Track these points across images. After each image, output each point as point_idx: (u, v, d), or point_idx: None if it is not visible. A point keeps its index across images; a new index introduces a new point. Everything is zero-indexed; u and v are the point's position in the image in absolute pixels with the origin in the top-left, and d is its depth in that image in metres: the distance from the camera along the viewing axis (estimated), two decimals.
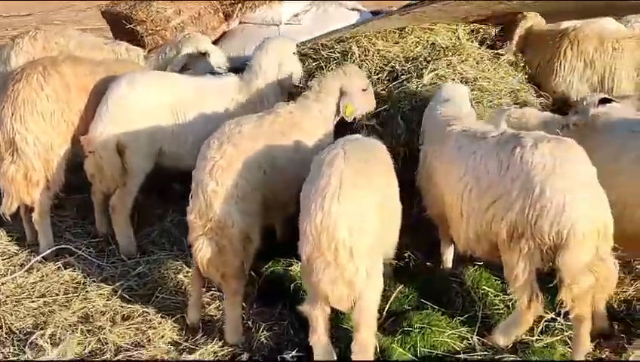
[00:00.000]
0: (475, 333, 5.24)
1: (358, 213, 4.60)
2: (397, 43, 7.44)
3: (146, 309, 5.85)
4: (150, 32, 9.88)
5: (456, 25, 7.84)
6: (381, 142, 5.44)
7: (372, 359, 4.73)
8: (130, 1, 9.88)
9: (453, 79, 6.72)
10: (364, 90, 6.29)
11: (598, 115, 5.60)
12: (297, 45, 7.30)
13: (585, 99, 6.12)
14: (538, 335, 5.22)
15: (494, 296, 5.55)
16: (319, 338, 4.84)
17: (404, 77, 6.81)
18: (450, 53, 7.14)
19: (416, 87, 6.65)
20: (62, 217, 7.39)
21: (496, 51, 7.66)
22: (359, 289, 4.60)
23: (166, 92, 6.60)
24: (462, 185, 5.11)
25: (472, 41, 7.72)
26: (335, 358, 4.88)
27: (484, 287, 5.55)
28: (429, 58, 7.02)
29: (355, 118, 6.24)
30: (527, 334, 5.21)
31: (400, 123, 6.39)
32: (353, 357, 4.71)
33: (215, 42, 9.64)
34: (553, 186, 4.63)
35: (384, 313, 5.43)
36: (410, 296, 5.60)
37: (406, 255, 6.21)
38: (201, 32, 9.86)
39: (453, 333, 5.18)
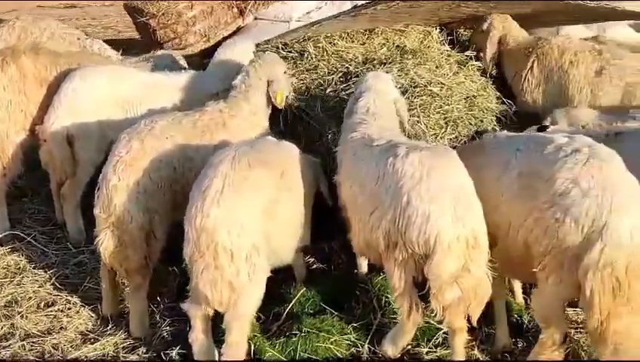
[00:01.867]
0: (368, 341, 5.19)
1: (239, 216, 4.67)
2: (363, 44, 7.38)
3: (70, 298, 6.01)
4: (162, 25, 10.03)
5: (432, 27, 7.69)
6: (291, 143, 5.45)
7: (242, 360, 4.73)
8: None
9: (402, 83, 6.58)
10: (284, 72, 6.37)
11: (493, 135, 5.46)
12: (259, 44, 7.33)
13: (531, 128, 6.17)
14: (430, 347, 5.14)
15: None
16: (197, 337, 4.91)
17: (355, 79, 6.70)
18: (411, 56, 6.98)
19: None
20: (31, 204, 7.61)
21: (465, 54, 7.46)
22: (239, 292, 4.66)
23: (117, 86, 6.73)
24: (351, 192, 5.08)
25: (443, 44, 7.54)
26: (215, 358, 4.92)
27: (387, 295, 5.43)
28: (385, 60, 6.90)
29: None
30: (421, 345, 5.12)
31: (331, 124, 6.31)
32: (222, 358, 4.75)
33: (228, 38, 9.69)
34: (419, 195, 4.56)
35: (284, 315, 5.43)
36: (312, 300, 5.55)
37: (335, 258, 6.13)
38: (214, 26, 10.01)
39: (340, 339, 5.13)
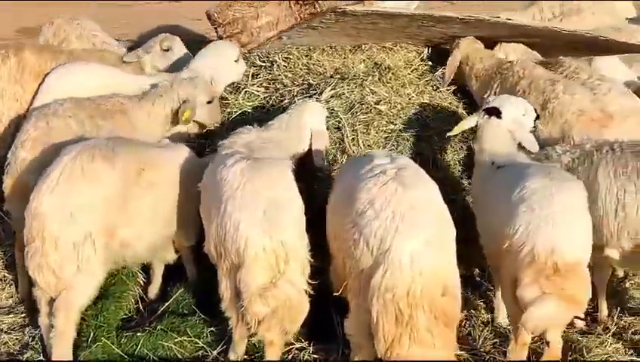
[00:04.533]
0: (221, 346, 5.18)
1: (70, 206, 4.86)
2: (345, 58, 7.31)
3: None
4: (228, 34, 10.39)
5: (425, 47, 7.53)
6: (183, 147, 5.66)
7: (66, 346, 4.90)
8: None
9: (348, 98, 6.51)
10: (209, 102, 6.48)
11: None
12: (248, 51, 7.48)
13: None
14: None
15: None
16: (43, 321, 5.15)
17: (312, 92, 6.70)
18: (378, 74, 6.88)
19: None
20: None
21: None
22: (67, 280, 4.86)
23: (88, 83, 7.04)
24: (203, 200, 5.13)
25: (428, 64, 7.35)
26: None
27: None
28: (347, 76, 6.83)
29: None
30: None
31: None
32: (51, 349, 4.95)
33: None
34: (234, 203, 4.55)
35: (159, 312, 5.55)
36: (187, 301, 5.62)
37: None
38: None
39: (187, 341, 5.16)
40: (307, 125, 5.78)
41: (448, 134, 5.86)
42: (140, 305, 5.78)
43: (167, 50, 7.92)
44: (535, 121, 5.73)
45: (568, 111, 6.19)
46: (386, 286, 4.06)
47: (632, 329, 5.46)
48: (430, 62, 7.46)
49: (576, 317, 5.43)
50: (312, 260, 4.68)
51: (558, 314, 4.51)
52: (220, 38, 10.19)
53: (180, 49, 8.00)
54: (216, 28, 10.20)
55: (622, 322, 5.55)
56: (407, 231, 4.08)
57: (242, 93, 7.12)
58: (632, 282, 6.00)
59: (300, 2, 9.33)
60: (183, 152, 5.60)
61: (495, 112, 5.57)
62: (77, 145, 5.14)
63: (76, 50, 7.99)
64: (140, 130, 6.13)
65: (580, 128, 6.08)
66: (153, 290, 5.95)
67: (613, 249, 5.18)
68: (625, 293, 5.92)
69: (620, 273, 6.06)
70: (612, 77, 7.33)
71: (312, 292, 4.65)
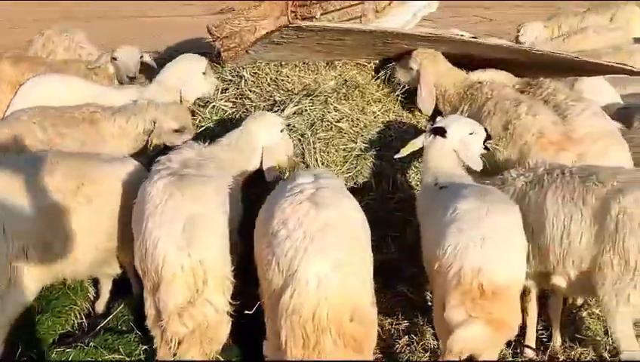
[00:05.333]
0: None
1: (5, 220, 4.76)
2: (317, 74, 7.22)
3: None
4: (225, 48, 10.35)
5: None
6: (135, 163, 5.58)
7: None
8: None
9: (309, 116, 6.42)
10: (175, 130, 6.38)
11: None
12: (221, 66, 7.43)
13: None
14: None
15: None
16: None
17: (277, 108, 6.61)
18: (345, 91, 6.77)
19: None
20: None
21: None
22: None
23: (60, 94, 7.06)
24: None
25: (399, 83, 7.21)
26: None
27: None
28: (312, 93, 6.73)
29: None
30: None
31: None
32: None
33: None
34: (154, 221, 4.50)
35: (98, 328, 5.48)
36: (127, 317, 5.55)
37: None
38: None
39: (115, 358, 5.09)
40: (258, 142, 5.68)
41: (396, 156, 5.70)
42: (85, 320, 5.67)
43: (115, 60, 8.01)
44: (486, 142, 5.55)
45: (528, 133, 6.00)
46: (293, 308, 3.92)
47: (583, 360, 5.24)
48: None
49: (527, 346, 5.29)
50: (234, 280, 4.58)
51: (484, 338, 4.34)
52: (219, 52, 10.17)
53: (126, 57, 8.04)
54: (214, 41, 10.17)
55: (573, 352, 5.32)
56: (316, 252, 3.94)
57: (210, 107, 7.02)
58: (590, 312, 5.75)
59: (299, 17, 9.23)
60: (128, 166, 5.49)
61: (440, 132, 5.43)
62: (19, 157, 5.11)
63: (55, 62, 8.06)
64: (109, 143, 6.14)
65: (537, 150, 5.87)
66: (100, 305, 5.87)
67: (559, 276, 4.97)
68: (582, 323, 5.68)
69: (579, 301, 5.83)
70: (593, 98, 7.15)
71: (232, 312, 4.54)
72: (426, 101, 6.82)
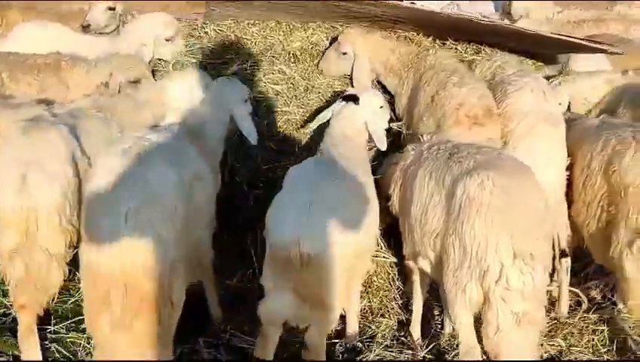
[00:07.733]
0: None
1: None
2: (286, 35, 7.14)
3: None
4: None
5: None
6: None
7: None
8: None
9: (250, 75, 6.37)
10: (132, 82, 6.30)
11: None
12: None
13: None
14: None
15: None
16: None
17: (223, 67, 6.63)
18: (300, 55, 6.72)
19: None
20: None
21: None
22: None
23: (40, 39, 7.22)
24: None
25: None
26: None
27: None
28: (265, 54, 6.68)
29: None
30: None
31: None
32: None
33: None
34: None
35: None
36: None
37: None
38: None
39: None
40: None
41: (307, 128, 5.56)
42: None
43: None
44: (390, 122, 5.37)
45: (448, 104, 5.65)
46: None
47: None
48: None
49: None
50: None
51: (292, 309, 4.20)
52: None
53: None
54: None
55: None
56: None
57: (174, 62, 7.05)
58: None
59: None
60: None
61: (353, 98, 5.25)
62: None
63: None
64: (73, 91, 6.21)
65: (451, 123, 5.52)
66: None
67: (423, 259, 4.71)
68: None
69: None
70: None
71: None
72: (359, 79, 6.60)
